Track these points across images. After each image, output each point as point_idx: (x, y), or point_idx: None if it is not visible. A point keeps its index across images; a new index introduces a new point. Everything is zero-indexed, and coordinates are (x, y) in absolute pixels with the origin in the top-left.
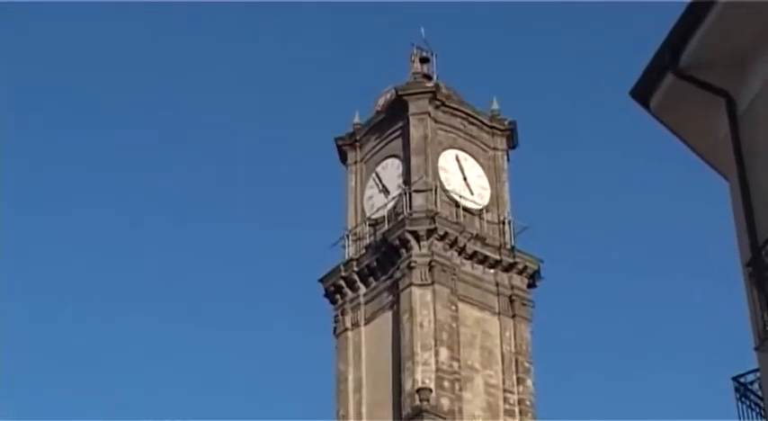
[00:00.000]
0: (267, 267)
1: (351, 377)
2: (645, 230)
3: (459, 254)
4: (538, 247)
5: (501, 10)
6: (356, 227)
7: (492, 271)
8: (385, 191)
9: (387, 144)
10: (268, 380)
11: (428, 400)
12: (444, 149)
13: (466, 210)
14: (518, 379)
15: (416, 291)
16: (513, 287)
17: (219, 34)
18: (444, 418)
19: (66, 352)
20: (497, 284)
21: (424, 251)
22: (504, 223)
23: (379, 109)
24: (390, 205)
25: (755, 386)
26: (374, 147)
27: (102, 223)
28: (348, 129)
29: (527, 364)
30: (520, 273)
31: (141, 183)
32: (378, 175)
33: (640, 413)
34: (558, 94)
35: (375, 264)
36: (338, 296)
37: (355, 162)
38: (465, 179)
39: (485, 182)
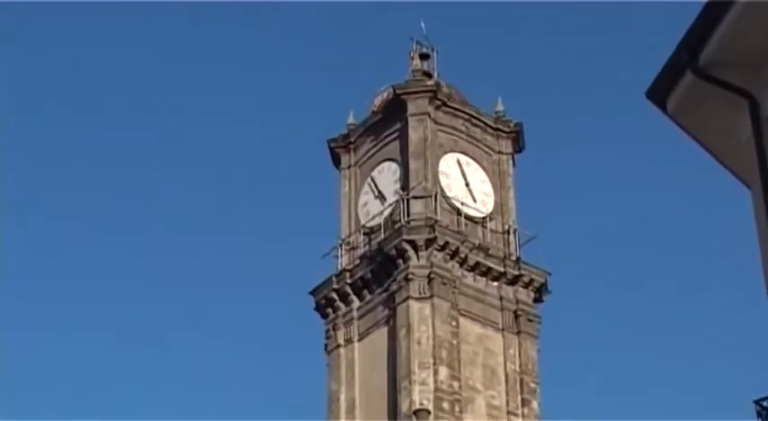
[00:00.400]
0: (254, 278)
1: (343, 397)
2: (660, 240)
3: (461, 265)
4: (545, 259)
5: (506, 4)
6: (350, 235)
7: (495, 284)
8: (381, 197)
9: (383, 147)
10: (254, 399)
11: None
12: (445, 153)
13: (468, 218)
14: (523, 400)
15: (414, 306)
16: (518, 301)
17: (206, 26)
18: None
19: (65, 352)
20: (501, 298)
21: (423, 262)
22: (508, 232)
23: (375, 109)
24: (387, 212)
25: None
26: (369, 150)
27: (88, 226)
28: (342, 130)
29: (533, 385)
30: (526, 286)
31: (125, 187)
32: (373, 180)
33: None
34: (566, 94)
35: (370, 275)
36: (330, 310)
37: (349, 166)
38: (467, 185)
39: (488, 188)
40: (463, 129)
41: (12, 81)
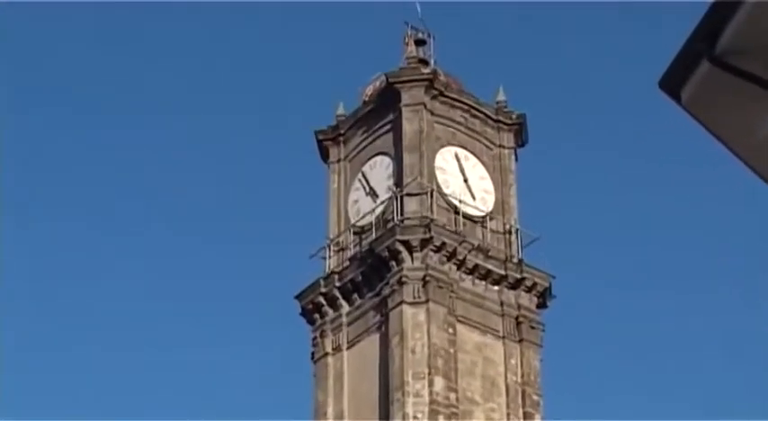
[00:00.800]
0: (235, 281)
1: (330, 409)
2: (674, 242)
3: (458, 268)
4: (549, 261)
5: None
6: (339, 235)
7: (496, 288)
8: (373, 194)
9: (375, 140)
10: (236, 410)
11: None
12: (442, 146)
13: (466, 217)
14: (525, 413)
15: (408, 311)
16: (520, 307)
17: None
18: None
19: (65, 352)
20: (502, 304)
21: (418, 264)
22: (510, 233)
23: (366, 99)
24: (379, 210)
25: None
26: (360, 143)
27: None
28: (330, 121)
29: (535, 397)
30: (528, 290)
31: (104, 185)
32: (364, 176)
33: None
34: (573, 83)
35: (360, 278)
36: (317, 315)
37: (338, 160)
38: (466, 181)
39: (489, 184)
40: (462, 120)
41: (11, 81)
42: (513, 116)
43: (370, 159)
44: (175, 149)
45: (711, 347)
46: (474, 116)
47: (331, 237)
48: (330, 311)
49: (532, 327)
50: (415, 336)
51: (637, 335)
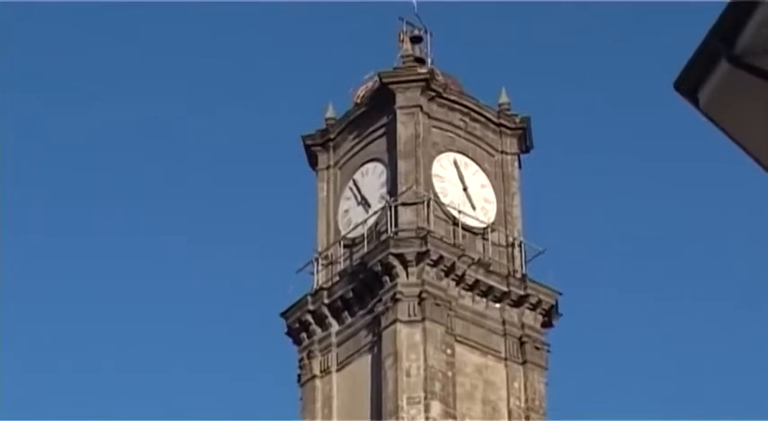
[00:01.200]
0: (216, 298)
1: None
2: (692, 254)
3: (457, 283)
4: (555, 277)
5: None
6: (328, 248)
7: (498, 305)
8: (365, 203)
9: (367, 145)
10: None
11: None
12: (440, 152)
13: (466, 228)
14: None
15: (403, 330)
16: (523, 326)
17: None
18: None
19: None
20: (504, 322)
21: (413, 280)
22: (513, 246)
23: (357, 100)
24: (371, 222)
25: None
26: (351, 149)
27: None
28: (319, 125)
29: None
30: (533, 308)
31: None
32: (356, 184)
33: None
34: (581, 84)
35: (351, 295)
36: (304, 335)
37: (327, 167)
38: (465, 190)
39: (490, 193)
40: (461, 124)
41: (11, 81)
42: (517, 120)
43: (361, 166)
44: (151, 155)
45: (735, 372)
46: (474, 120)
47: (319, 250)
48: (318, 330)
49: (537, 348)
50: (411, 358)
51: (651, 356)
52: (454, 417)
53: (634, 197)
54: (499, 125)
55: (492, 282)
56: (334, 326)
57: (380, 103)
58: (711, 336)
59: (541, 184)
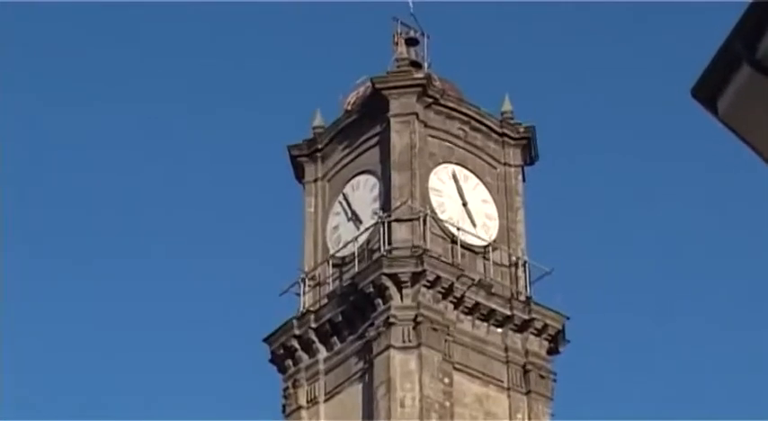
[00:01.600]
0: (193, 321)
1: None
2: (714, 274)
3: (456, 307)
4: (563, 299)
5: None
6: (315, 268)
7: (500, 330)
8: (355, 219)
9: (358, 156)
10: None
11: None
12: (437, 164)
13: (465, 247)
14: None
15: (396, 357)
16: (528, 353)
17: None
18: None
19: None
20: (507, 349)
21: (408, 302)
22: (517, 266)
23: (348, 107)
24: (362, 239)
25: None
26: (341, 160)
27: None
28: (306, 134)
29: None
30: (538, 334)
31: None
32: (346, 198)
33: None
34: (589, 91)
35: (340, 318)
36: (289, 362)
37: (315, 179)
38: (465, 205)
39: (492, 209)
40: (460, 134)
41: (11, 81)
42: (521, 129)
43: (352, 179)
44: (132, 158)
45: (757, 409)
46: (475, 129)
47: (306, 269)
48: (304, 357)
49: (542, 377)
50: (405, 387)
51: (668, 387)
52: None
53: (649, 212)
54: (502, 135)
55: (494, 305)
56: (322, 353)
57: (373, 110)
58: (735, 366)
59: (548, 199)
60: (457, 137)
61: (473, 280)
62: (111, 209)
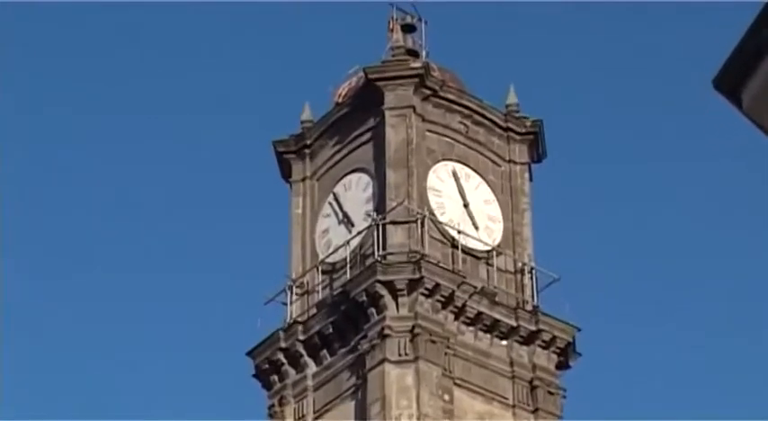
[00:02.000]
0: (171, 333)
1: None
2: (733, 280)
3: (457, 317)
4: (573, 309)
5: None
6: (303, 274)
7: (504, 343)
8: (347, 222)
9: (351, 152)
10: None
11: None
12: (436, 161)
13: (467, 251)
14: None
15: (392, 372)
16: (535, 367)
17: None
18: None
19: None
20: (512, 363)
21: (404, 312)
22: (523, 272)
23: (339, 100)
24: (355, 243)
25: None
26: (332, 157)
27: None
28: (294, 129)
29: None
30: (546, 346)
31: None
32: (337, 198)
33: None
34: (601, 83)
35: (330, 330)
36: (275, 377)
37: (303, 178)
38: (466, 206)
39: (496, 210)
40: (461, 128)
41: (11, 81)
42: (527, 123)
43: (343, 177)
44: (107, 157)
45: None
46: (477, 123)
47: (293, 276)
48: (292, 372)
49: (550, 393)
50: (401, 405)
51: (687, 403)
52: None
53: (666, 215)
54: (506, 129)
55: (498, 316)
56: (311, 367)
57: (366, 102)
58: (754, 370)
59: (556, 200)
60: (457, 132)
61: (475, 288)
62: (95, 210)
